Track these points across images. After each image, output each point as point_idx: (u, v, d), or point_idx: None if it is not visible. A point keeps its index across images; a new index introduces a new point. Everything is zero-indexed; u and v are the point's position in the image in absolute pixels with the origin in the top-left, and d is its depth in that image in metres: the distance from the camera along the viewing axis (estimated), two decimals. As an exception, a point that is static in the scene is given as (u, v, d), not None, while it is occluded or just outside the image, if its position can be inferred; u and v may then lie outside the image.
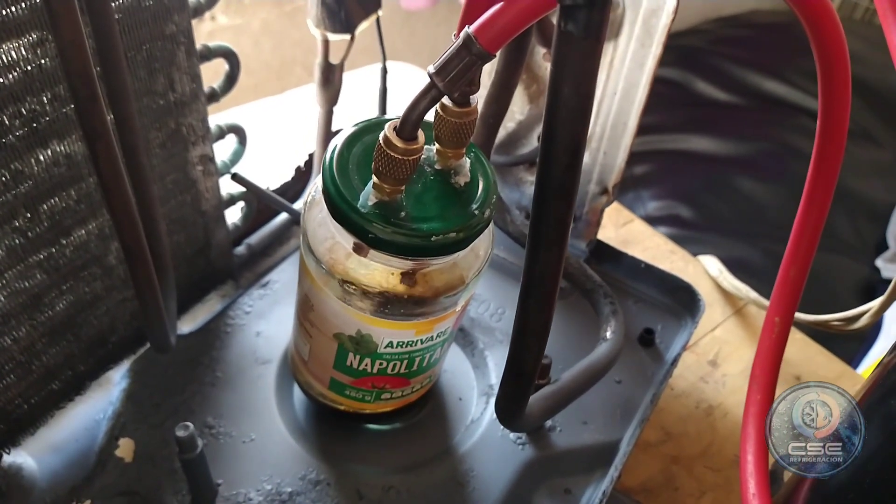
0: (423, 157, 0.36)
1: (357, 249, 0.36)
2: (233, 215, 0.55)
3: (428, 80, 0.30)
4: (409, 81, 0.82)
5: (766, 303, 0.60)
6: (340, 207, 0.34)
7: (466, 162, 0.36)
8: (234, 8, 1.04)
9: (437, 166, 0.36)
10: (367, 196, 0.34)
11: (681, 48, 1.53)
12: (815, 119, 0.38)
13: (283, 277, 0.56)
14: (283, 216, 0.60)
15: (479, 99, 0.42)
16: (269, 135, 0.72)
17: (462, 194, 0.36)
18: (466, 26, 0.28)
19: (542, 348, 0.33)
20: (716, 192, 1.30)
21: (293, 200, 0.60)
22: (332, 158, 0.35)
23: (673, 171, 1.33)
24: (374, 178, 0.34)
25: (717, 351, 0.59)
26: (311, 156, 0.62)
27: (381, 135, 0.32)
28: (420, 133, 0.32)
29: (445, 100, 0.33)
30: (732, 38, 1.57)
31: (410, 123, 0.31)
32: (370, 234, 0.34)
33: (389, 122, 0.32)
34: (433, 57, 0.30)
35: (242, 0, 1.03)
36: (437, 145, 0.36)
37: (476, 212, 0.35)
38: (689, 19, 1.63)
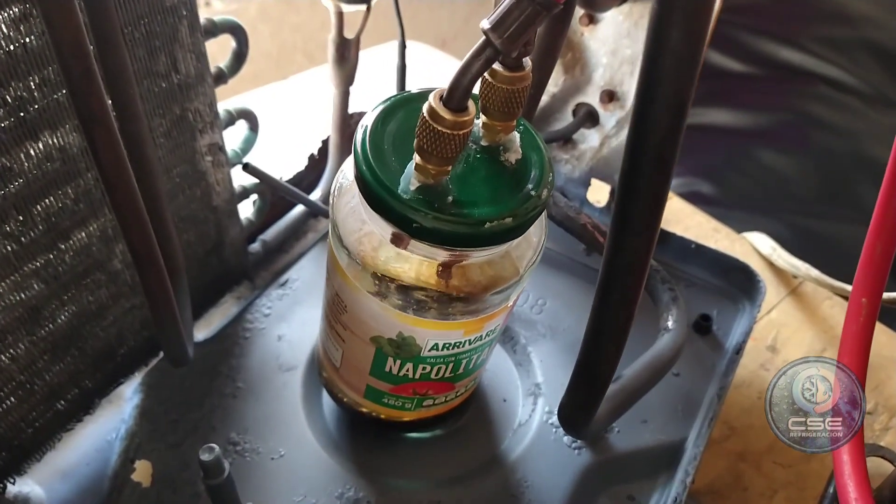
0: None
1: (396, 241, 0.32)
2: (245, 210, 0.50)
3: (482, 37, 0.25)
4: (422, 61, 0.77)
5: (829, 281, 0.56)
6: (378, 194, 0.29)
7: (516, 136, 0.32)
8: (231, -7, 0.99)
9: (483, 142, 0.32)
10: (409, 180, 0.30)
11: (691, 19, 1.47)
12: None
13: (303, 275, 0.52)
14: (299, 209, 0.56)
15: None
16: (275, 123, 0.67)
17: (514, 173, 0.31)
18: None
19: (620, 352, 0.29)
20: (737, 167, 1.25)
21: (308, 191, 0.55)
22: (364, 138, 0.31)
23: (691, 147, 1.27)
24: (417, 158, 0.29)
25: (776, 335, 0.55)
26: (324, 142, 0.57)
27: (426, 106, 0.27)
28: (470, 103, 0.28)
29: (495, 64, 0.28)
30: (745, 7, 1.51)
31: (461, 91, 0.27)
32: (414, 223, 0.29)
33: (434, 92, 0.28)
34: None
35: (238, -16, 0.98)
36: (483, 118, 0.31)
37: (532, 193, 0.31)
38: (699, -11, 1.57)
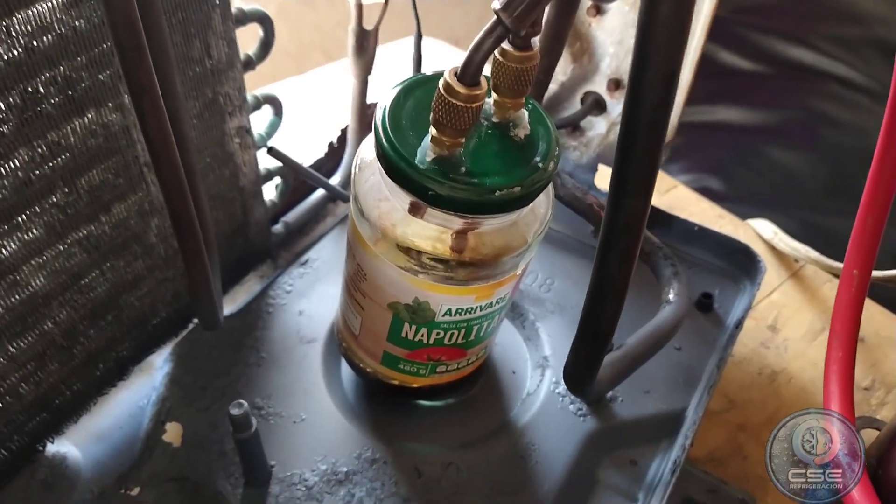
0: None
1: (413, 210, 0.34)
2: (269, 193, 0.53)
3: (493, 17, 0.28)
4: (436, 56, 0.80)
5: (828, 262, 0.58)
6: (398, 165, 0.32)
7: (525, 113, 0.34)
8: (250, -8, 1.02)
9: (494, 119, 0.34)
10: (425, 151, 0.32)
11: (702, 19, 1.49)
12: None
13: (323, 255, 0.55)
14: (319, 193, 0.58)
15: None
16: (295, 114, 0.70)
17: (523, 148, 0.34)
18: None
19: (620, 308, 0.31)
20: (746, 163, 1.26)
21: (327, 177, 0.58)
22: (385, 115, 0.33)
23: (701, 144, 1.29)
24: (433, 131, 0.32)
25: (776, 315, 0.57)
26: (343, 131, 0.60)
27: (441, 82, 0.30)
28: (482, 79, 0.30)
29: (505, 44, 0.31)
30: (755, 7, 1.52)
31: (474, 67, 0.29)
32: (430, 191, 0.32)
33: (449, 69, 0.30)
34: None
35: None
36: (494, 96, 0.34)
37: (539, 165, 0.33)
38: (710, -11, 1.59)
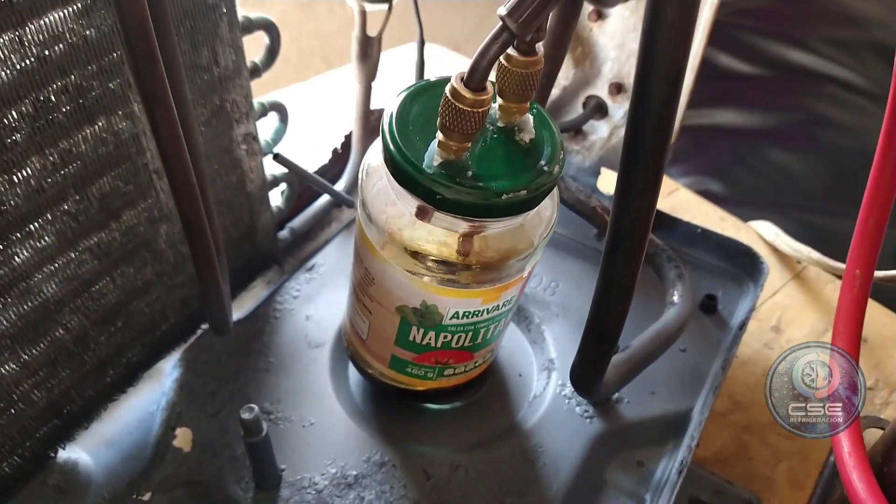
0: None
1: (420, 214, 0.35)
2: (274, 199, 0.53)
3: (499, 23, 0.28)
4: (438, 61, 0.80)
5: (831, 263, 0.58)
6: (405, 170, 0.32)
7: (530, 118, 0.35)
8: (251, 0, 1.03)
9: (500, 123, 0.35)
10: (432, 156, 0.32)
11: (700, 23, 1.49)
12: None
13: (329, 260, 0.55)
14: (324, 199, 0.59)
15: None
16: (298, 121, 0.71)
17: (528, 152, 0.34)
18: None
19: (627, 308, 0.32)
20: (746, 165, 1.27)
21: (332, 183, 0.58)
22: (391, 120, 0.34)
23: (701, 147, 1.30)
24: (440, 136, 0.32)
25: (780, 316, 0.57)
26: (347, 137, 0.60)
27: (448, 87, 0.30)
28: (488, 84, 0.31)
29: (510, 49, 0.31)
30: (753, 10, 1.53)
31: (480, 72, 0.29)
32: (437, 195, 0.32)
33: (456, 74, 0.30)
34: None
35: (260, -8, 1.01)
36: (500, 100, 0.34)
37: (545, 169, 0.33)
38: (708, -7, 1.60)
